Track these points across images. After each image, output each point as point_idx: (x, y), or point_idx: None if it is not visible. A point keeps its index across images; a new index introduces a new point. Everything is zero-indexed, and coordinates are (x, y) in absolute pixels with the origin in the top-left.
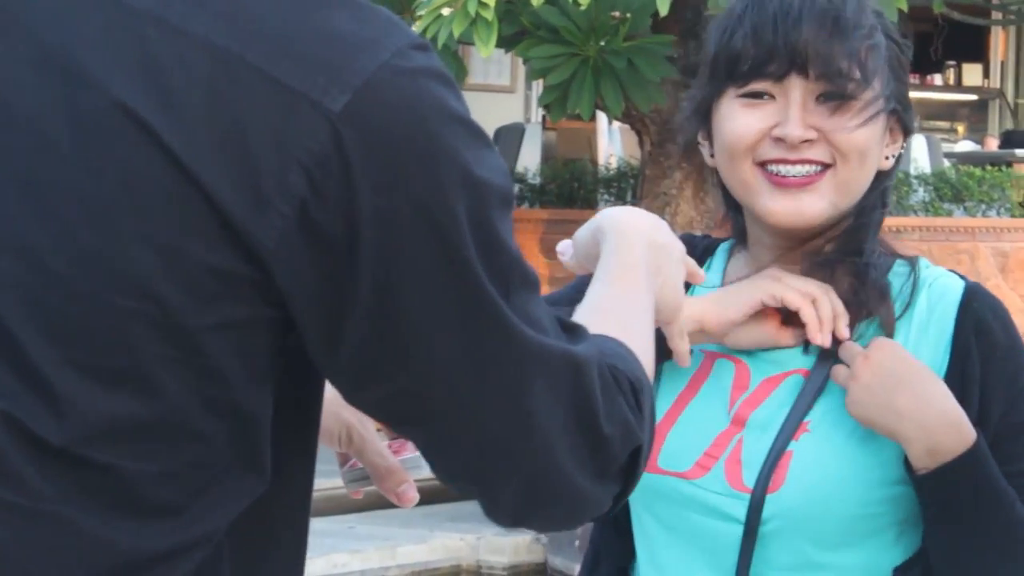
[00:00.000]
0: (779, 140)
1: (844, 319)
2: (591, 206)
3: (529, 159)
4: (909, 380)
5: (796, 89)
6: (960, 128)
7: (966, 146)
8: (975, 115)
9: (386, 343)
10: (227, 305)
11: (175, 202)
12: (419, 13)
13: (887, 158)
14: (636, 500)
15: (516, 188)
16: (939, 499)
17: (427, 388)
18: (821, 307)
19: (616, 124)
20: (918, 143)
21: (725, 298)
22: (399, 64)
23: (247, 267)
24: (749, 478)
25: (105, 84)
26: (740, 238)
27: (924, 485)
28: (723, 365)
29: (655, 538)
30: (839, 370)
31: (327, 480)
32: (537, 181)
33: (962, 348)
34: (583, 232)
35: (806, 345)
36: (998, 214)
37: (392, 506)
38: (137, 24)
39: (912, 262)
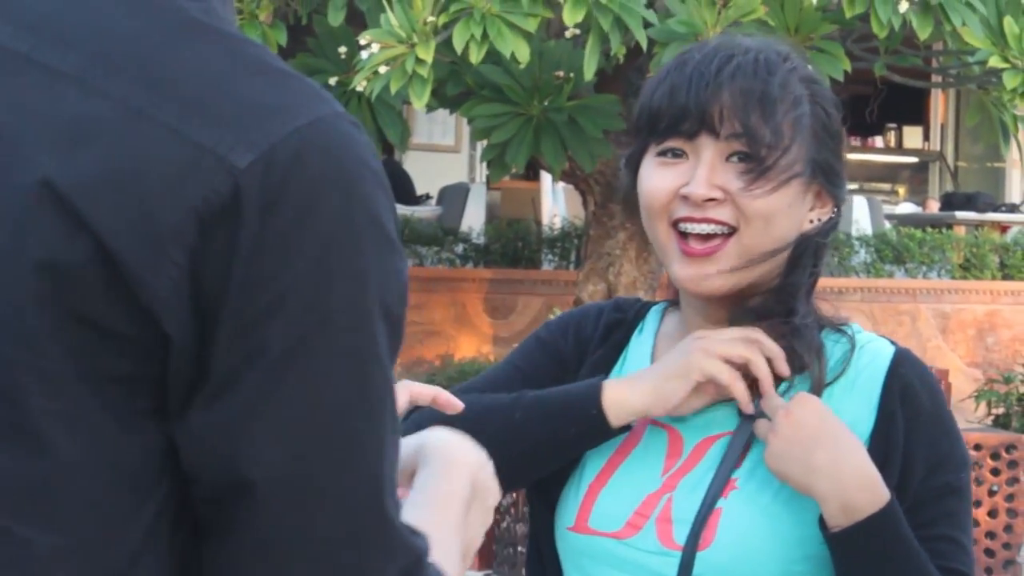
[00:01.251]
0: (686, 198)
1: (781, 357)
2: (535, 266)
3: (473, 219)
4: (828, 437)
5: (707, 149)
6: (901, 190)
7: (907, 208)
8: (916, 177)
9: (241, 423)
10: (112, 359)
11: (64, 252)
12: (357, 69)
13: (811, 221)
14: (569, 564)
15: (460, 248)
16: (851, 557)
17: (268, 495)
18: (757, 367)
19: (560, 184)
20: (859, 205)
21: (663, 387)
22: (313, 132)
23: (137, 318)
24: (680, 535)
25: (17, 140)
26: (675, 296)
27: (837, 542)
28: (655, 432)
29: None
30: (761, 424)
31: None
32: (481, 241)
33: (887, 411)
34: (408, 443)
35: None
36: (939, 276)
37: None
38: (59, 86)
39: (847, 329)
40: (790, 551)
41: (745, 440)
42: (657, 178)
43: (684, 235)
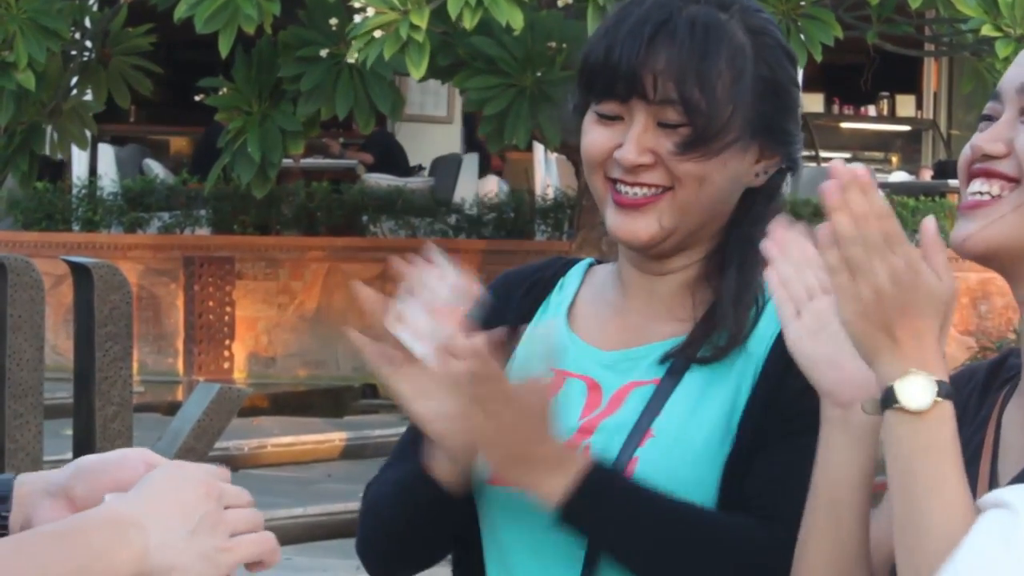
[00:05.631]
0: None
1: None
2: (528, 236)
3: (466, 189)
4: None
5: (639, 112)
6: (894, 159)
7: (900, 177)
8: (909, 146)
9: None
10: None
11: None
12: (351, 37)
13: (757, 175)
14: (487, 517)
15: (453, 219)
16: (590, 523)
17: None
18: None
19: (553, 154)
20: None
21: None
22: None
23: None
24: None
25: None
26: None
27: (568, 515)
28: (572, 383)
29: (507, 550)
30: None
31: (264, 512)
32: (474, 211)
33: (773, 358)
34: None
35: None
36: None
37: (330, 536)
38: None
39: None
40: (706, 495)
41: (667, 392)
42: (594, 135)
43: (617, 193)
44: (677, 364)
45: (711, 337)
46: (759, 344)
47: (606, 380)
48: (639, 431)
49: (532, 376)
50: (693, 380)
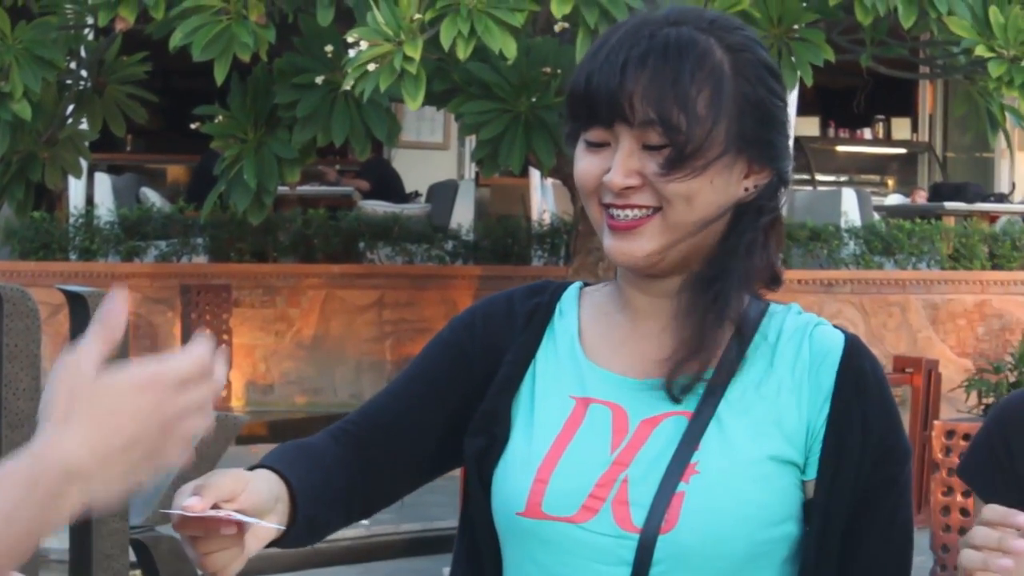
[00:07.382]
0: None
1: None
2: (525, 262)
3: (462, 215)
4: None
5: (624, 136)
6: (890, 181)
7: (896, 199)
8: (904, 168)
9: None
10: None
11: None
12: (347, 69)
13: (746, 189)
14: (515, 549)
15: (450, 245)
16: None
17: None
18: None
19: (549, 180)
20: (848, 197)
21: None
22: None
23: None
24: (638, 518)
25: None
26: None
27: None
28: (598, 409)
29: None
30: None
31: None
32: (471, 237)
33: (843, 402)
34: None
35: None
36: (928, 266)
37: (327, 564)
38: None
39: (783, 311)
40: (758, 531)
41: (703, 424)
42: (583, 163)
43: (611, 217)
44: (709, 395)
45: (731, 367)
46: (798, 371)
47: (633, 408)
48: (679, 464)
49: None
50: (727, 412)
